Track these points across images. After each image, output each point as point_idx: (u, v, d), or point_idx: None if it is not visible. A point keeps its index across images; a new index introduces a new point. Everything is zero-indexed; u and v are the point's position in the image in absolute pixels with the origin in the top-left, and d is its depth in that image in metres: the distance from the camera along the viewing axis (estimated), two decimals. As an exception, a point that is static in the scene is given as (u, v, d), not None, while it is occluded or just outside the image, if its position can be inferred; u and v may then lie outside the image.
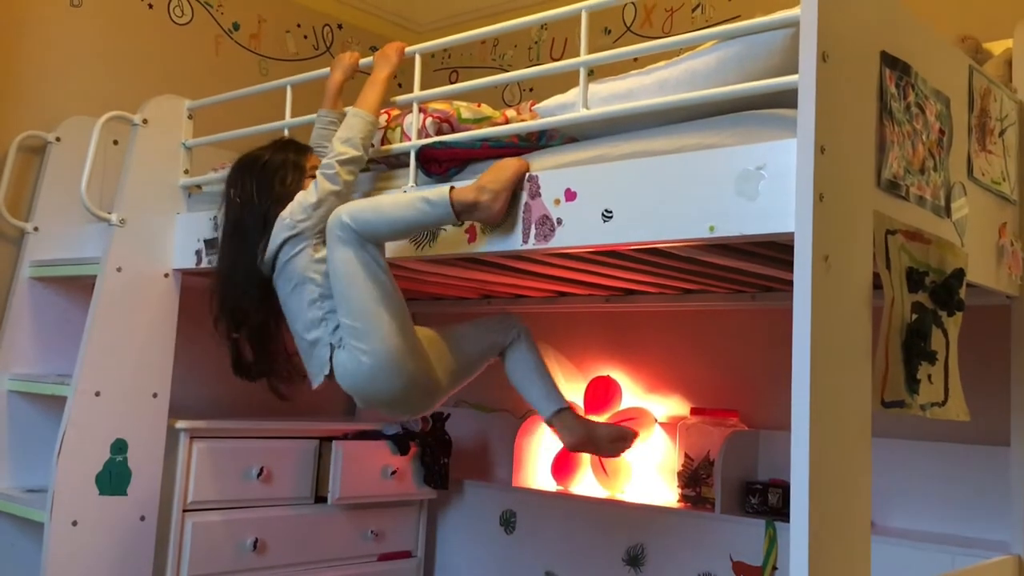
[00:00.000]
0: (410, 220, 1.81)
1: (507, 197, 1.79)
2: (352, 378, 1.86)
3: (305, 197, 1.92)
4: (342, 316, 1.82)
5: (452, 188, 1.79)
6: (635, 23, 3.26)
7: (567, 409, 2.05)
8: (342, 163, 1.92)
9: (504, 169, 1.81)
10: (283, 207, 1.93)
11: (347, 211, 1.80)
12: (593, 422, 2.15)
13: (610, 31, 3.30)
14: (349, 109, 2.03)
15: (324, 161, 1.94)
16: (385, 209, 1.81)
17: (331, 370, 1.88)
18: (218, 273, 2.04)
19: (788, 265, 1.43)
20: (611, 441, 2.08)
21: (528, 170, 1.81)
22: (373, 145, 2.06)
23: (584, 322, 3.16)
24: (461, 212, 1.78)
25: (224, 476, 2.64)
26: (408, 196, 1.84)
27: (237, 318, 2.00)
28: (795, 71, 1.44)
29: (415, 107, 2.07)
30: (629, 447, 2.11)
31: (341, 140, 1.95)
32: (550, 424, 2.05)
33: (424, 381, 1.92)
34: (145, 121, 2.49)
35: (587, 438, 2.05)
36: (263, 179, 1.98)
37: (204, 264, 2.45)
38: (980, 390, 1.97)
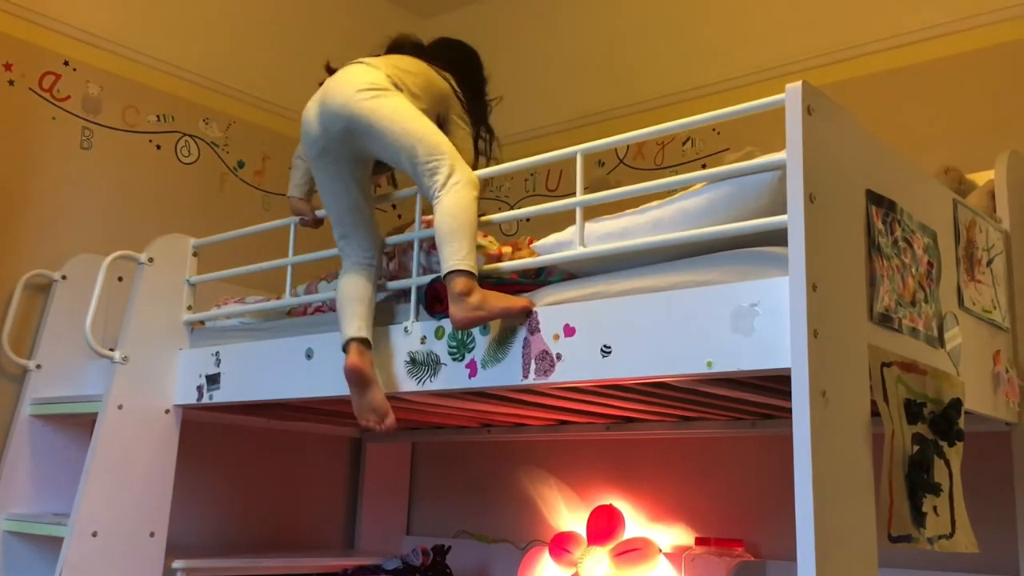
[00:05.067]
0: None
1: (483, 319, 1.83)
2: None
3: None
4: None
5: (464, 270, 1.84)
6: (627, 156, 3.37)
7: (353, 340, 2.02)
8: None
9: (503, 300, 1.85)
10: None
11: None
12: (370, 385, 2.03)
13: (603, 163, 3.41)
14: None
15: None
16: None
17: None
18: None
19: (786, 394, 1.45)
20: (369, 410, 2.02)
21: (530, 313, 1.85)
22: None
23: (585, 450, 3.15)
24: (450, 286, 1.84)
25: (221, 617, 2.59)
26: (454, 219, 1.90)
27: None
28: (784, 211, 1.49)
29: (416, 243, 2.12)
30: (377, 426, 2.02)
31: None
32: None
33: None
34: (151, 260, 2.55)
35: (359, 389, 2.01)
36: None
37: (205, 400, 2.46)
38: (984, 519, 1.96)
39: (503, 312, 1.84)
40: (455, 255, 1.85)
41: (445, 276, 1.86)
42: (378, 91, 2.02)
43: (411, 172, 2.00)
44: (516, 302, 1.85)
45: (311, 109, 2.08)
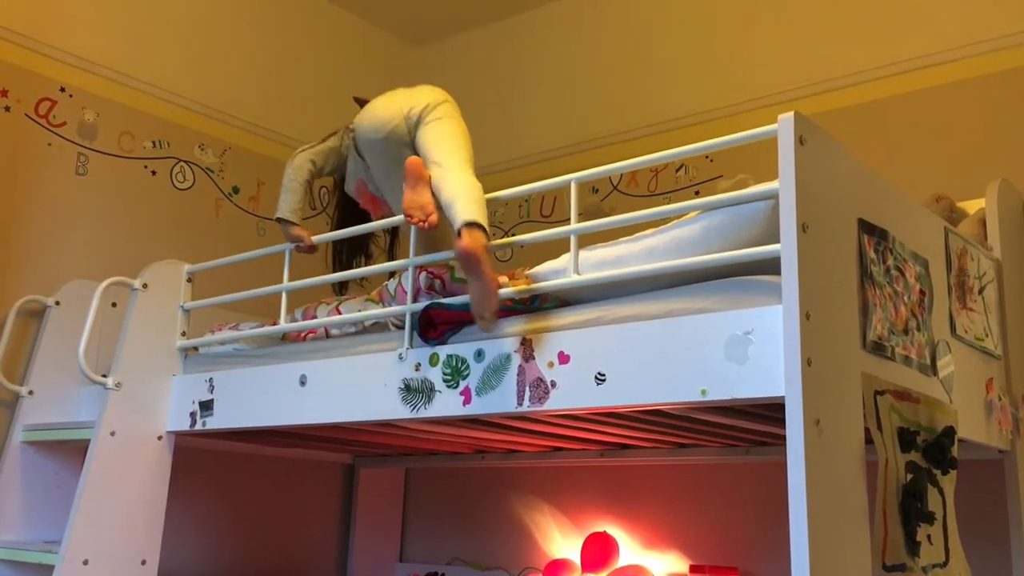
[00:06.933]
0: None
1: (481, 268, 1.83)
2: None
3: None
4: None
5: (479, 226, 1.88)
6: (621, 183, 3.39)
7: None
8: None
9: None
10: None
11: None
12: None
13: (597, 190, 3.42)
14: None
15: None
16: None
17: None
18: None
19: (780, 422, 1.45)
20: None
21: (496, 300, 1.86)
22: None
23: (579, 477, 3.14)
24: (473, 234, 1.86)
25: (212, 646, 2.56)
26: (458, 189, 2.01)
27: None
28: (778, 239, 1.50)
29: (411, 268, 2.13)
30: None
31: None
32: None
33: None
34: (145, 286, 2.54)
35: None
36: None
37: (198, 426, 2.45)
38: (978, 547, 1.96)
39: (492, 278, 1.85)
40: (480, 214, 1.92)
41: (469, 224, 1.88)
42: None
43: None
44: (497, 283, 1.88)
45: None
